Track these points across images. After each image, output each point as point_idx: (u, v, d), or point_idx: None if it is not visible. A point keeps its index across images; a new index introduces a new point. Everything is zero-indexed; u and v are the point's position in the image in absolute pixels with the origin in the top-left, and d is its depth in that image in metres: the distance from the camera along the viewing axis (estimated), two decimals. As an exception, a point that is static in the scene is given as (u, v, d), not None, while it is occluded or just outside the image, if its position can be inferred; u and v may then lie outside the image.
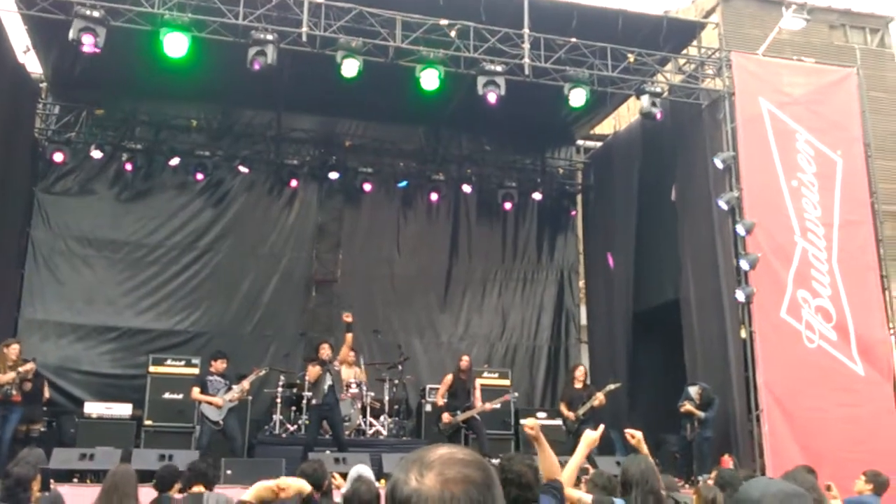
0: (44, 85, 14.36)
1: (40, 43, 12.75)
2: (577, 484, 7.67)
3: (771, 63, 12.92)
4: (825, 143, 12.19)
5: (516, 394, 13.25)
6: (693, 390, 11.59)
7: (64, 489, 7.25)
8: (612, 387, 11.92)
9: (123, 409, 11.97)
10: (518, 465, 4.20)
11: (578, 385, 12.04)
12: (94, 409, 11.97)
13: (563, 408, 11.96)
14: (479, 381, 12.09)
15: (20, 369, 10.32)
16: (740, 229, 11.57)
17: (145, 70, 12.56)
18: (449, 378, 11.82)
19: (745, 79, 12.34)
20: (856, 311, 11.51)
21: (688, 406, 11.44)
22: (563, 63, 11.69)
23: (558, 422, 12.23)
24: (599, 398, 11.56)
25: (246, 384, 11.13)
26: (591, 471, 7.65)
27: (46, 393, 11.66)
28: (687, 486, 10.06)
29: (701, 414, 11.36)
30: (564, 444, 12.14)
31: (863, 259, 11.91)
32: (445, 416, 11.40)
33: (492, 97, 11.27)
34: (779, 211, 11.79)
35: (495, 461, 6.26)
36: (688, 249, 13.03)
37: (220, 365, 11.08)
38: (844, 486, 7.65)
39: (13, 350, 10.48)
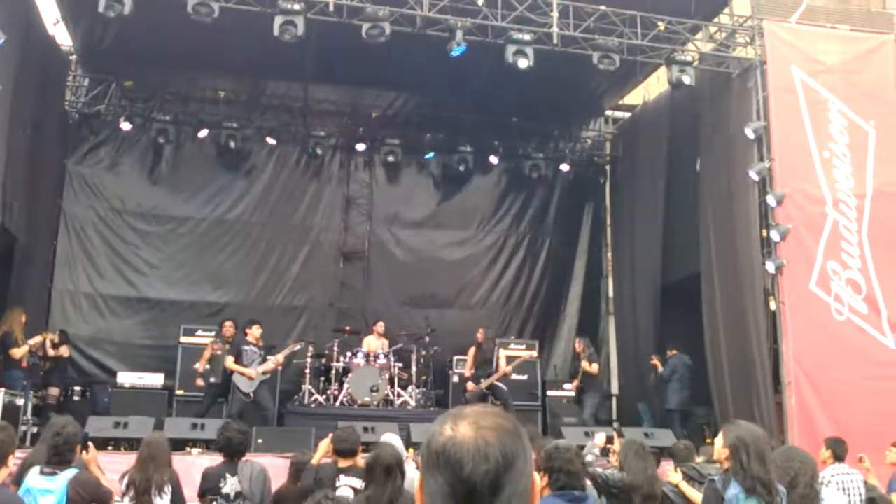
0: (73, 57, 14.40)
1: (70, 14, 12.77)
2: (606, 455, 7.71)
3: (805, 31, 12.62)
4: (858, 113, 11.95)
5: (534, 353, 13.70)
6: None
7: (99, 456, 7.38)
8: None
9: (155, 379, 12.17)
10: (566, 452, 4.24)
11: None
12: (126, 378, 12.18)
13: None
14: (503, 352, 12.18)
15: (30, 342, 10.79)
16: (771, 200, 11.40)
17: (173, 41, 12.54)
18: (473, 350, 11.97)
19: (777, 47, 12.09)
20: (886, 284, 11.32)
21: (655, 359, 12.93)
22: (592, 32, 11.52)
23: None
24: (585, 367, 12.30)
25: (281, 357, 11.13)
26: (617, 440, 7.66)
27: (53, 351, 11.91)
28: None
29: (660, 368, 12.76)
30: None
31: (894, 231, 11.72)
32: (469, 385, 11.56)
33: (522, 63, 11.14)
34: (810, 182, 11.59)
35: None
36: (710, 221, 12.88)
37: (256, 332, 11.07)
38: (873, 459, 7.64)
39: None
